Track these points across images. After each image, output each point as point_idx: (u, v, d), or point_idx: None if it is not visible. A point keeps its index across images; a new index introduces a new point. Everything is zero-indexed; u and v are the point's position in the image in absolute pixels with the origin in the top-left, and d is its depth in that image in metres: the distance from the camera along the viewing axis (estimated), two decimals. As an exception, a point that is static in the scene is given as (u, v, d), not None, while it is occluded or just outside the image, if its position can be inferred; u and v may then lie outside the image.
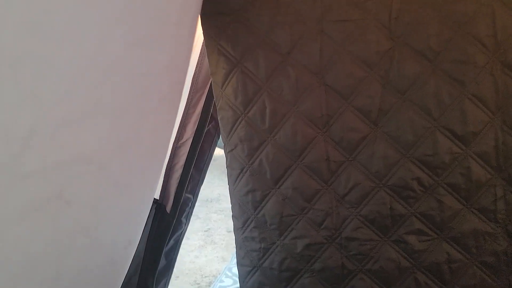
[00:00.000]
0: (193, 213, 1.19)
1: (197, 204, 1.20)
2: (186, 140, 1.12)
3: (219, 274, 1.51)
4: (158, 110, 0.68)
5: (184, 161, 1.11)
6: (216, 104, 0.87)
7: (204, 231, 2.60)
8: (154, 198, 1.07)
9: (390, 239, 0.78)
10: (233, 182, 0.87)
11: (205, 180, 1.18)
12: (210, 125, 1.11)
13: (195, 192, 1.16)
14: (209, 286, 2.04)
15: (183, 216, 1.18)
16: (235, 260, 0.90)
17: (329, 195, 0.80)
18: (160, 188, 1.11)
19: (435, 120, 0.74)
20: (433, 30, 0.73)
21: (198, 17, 0.80)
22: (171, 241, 1.18)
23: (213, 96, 0.89)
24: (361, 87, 0.76)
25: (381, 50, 0.75)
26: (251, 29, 0.80)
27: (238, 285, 0.93)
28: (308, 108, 0.79)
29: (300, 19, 0.77)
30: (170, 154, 1.12)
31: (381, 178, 0.77)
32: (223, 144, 0.88)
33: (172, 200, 1.11)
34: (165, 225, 1.11)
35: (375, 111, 0.76)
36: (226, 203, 2.84)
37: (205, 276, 2.15)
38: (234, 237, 0.90)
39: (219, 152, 1.90)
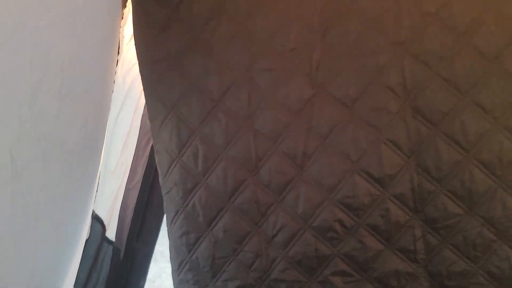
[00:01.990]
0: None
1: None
2: (137, 182, 1.14)
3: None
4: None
5: (134, 204, 1.12)
6: (154, 148, 0.90)
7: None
8: (111, 240, 1.08)
9: (316, 280, 0.80)
10: (169, 225, 0.89)
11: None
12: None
13: (151, 241, 1.15)
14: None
15: (141, 264, 1.14)
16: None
17: (259, 237, 0.82)
18: (116, 229, 1.11)
19: (354, 163, 0.78)
20: (350, 79, 0.78)
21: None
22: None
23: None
24: (287, 132, 0.80)
25: (304, 97, 0.79)
26: (185, 76, 0.84)
27: None
28: (238, 152, 0.82)
29: (230, 67, 0.82)
30: (124, 195, 1.13)
31: (307, 219, 0.79)
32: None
33: (124, 246, 1.11)
34: (119, 271, 1.08)
35: (300, 155, 0.80)
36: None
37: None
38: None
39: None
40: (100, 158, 0.90)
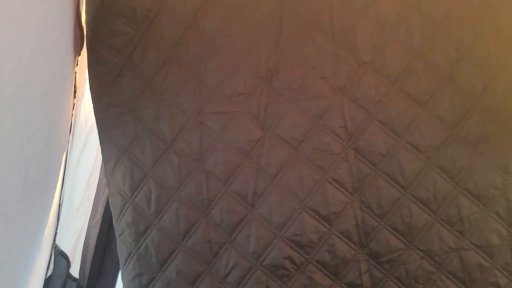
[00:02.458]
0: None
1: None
2: (97, 220, 1.13)
3: None
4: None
5: (95, 242, 1.11)
6: (108, 190, 0.90)
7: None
8: (75, 277, 1.06)
9: None
10: (122, 267, 0.88)
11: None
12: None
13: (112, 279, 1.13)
14: None
15: None
16: None
17: (211, 277, 0.83)
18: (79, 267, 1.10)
19: (302, 201, 0.81)
20: (296, 122, 0.82)
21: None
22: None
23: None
24: (238, 172, 0.83)
25: (253, 138, 0.83)
26: (139, 119, 0.86)
27: None
28: (191, 192, 0.84)
29: (182, 111, 0.85)
30: (86, 233, 1.12)
31: (258, 258, 0.82)
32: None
33: (86, 283, 1.10)
34: None
35: (251, 194, 0.83)
36: None
37: None
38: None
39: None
40: (53, 197, 0.89)
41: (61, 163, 0.87)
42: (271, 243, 0.82)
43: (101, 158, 1.10)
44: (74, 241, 1.07)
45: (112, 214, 0.90)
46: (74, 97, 0.93)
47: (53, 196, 0.85)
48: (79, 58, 0.91)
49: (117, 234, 0.89)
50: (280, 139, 0.83)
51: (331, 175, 0.81)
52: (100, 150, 1.05)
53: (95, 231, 1.10)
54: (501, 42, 0.77)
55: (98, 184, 1.09)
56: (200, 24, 0.85)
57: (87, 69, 0.90)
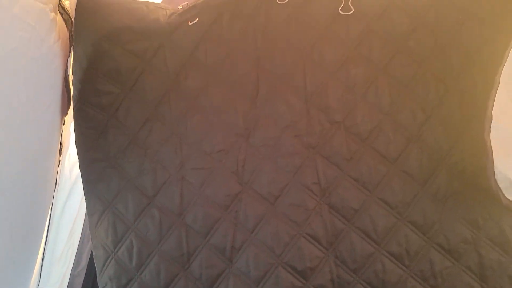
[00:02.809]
0: None
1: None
2: (82, 269, 1.15)
3: None
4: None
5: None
6: (92, 243, 0.93)
7: None
8: None
9: None
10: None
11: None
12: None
13: None
14: None
15: None
16: None
17: (190, 332, 0.84)
18: None
19: (278, 256, 0.84)
20: (272, 178, 0.86)
21: None
22: None
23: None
24: (217, 226, 0.86)
25: (232, 193, 0.86)
26: (122, 174, 0.90)
27: None
28: (171, 247, 0.87)
29: (163, 167, 0.89)
30: (69, 283, 1.14)
31: (235, 312, 0.83)
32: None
33: None
34: None
35: (229, 248, 0.85)
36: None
37: None
38: None
39: None
40: (37, 254, 0.92)
41: (46, 220, 0.90)
42: (249, 298, 0.83)
43: (84, 207, 1.13)
44: None
45: (96, 267, 0.92)
46: (60, 154, 0.97)
47: (38, 252, 0.88)
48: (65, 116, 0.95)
49: (100, 287, 0.91)
50: (257, 194, 0.86)
51: (306, 230, 0.84)
52: (83, 199, 1.09)
53: (79, 280, 1.12)
54: (464, 104, 0.81)
55: (82, 232, 1.12)
56: (182, 84, 0.90)
57: (72, 123, 0.95)
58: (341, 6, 0.86)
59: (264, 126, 0.87)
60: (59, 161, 0.96)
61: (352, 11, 0.85)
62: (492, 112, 0.75)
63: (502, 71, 0.77)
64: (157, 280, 0.86)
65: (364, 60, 0.84)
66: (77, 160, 1.07)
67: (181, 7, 0.96)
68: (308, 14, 0.87)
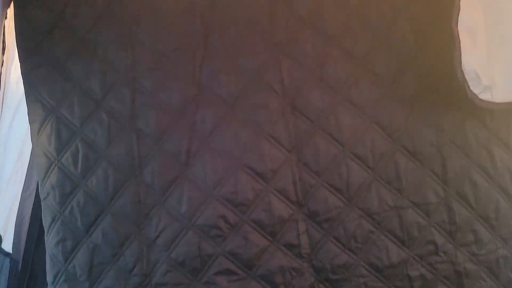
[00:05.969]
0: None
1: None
2: (32, 191, 1.06)
3: None
4: None
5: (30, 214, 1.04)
6: (32, 152, 0.84)
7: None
8: (8, 252, 0.99)
9: (200, 281, 0.76)
10: (46, 233, 0.82)
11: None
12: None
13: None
14: None
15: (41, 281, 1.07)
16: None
17: (140, 240, 0.78)
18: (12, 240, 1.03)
19: (237, 159, 0.78)
20: (232, 78, 0.80)
21: None
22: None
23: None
24: (171, 131, 0.79)
25: (187, 96, 0.80)
26: (68, 77, 0.82)
27: None
28: (120, 152, 0.79)
29: (113, 67, 0.81)
30: (20, 204, 1.05)
31: (190, 218, 0.77)
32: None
33: (21, 257, 1.03)
34: (18, 284, 1.02)
35: (184, 153, 0.79)
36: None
37: None
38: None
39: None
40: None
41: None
42: (205, 203, 0.77)
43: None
44: (6, 214, 1.01)
45: (38, 177, 0.84)
46: (3, 53, 0.87)
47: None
48: (9, 10, 0.85)
49: (41, 198, 0.83)
50: (215, 96, 0.80)
51: (268, 131, 0.79)
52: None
53: (30, 202, 1.04)
54: (432, 4, 0.78)
55: (31, 152, 1.03)
56: None
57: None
58: None
59: (224, 24, 0.81)
60: (2, 61, 0.86)
61: None
62: (460, 1, 0.72)
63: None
64: (105, 187, 0.79)
65: None
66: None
67: None
68: None
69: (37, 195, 1.01)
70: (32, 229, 1.04)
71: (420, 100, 0.80)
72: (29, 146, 1.03)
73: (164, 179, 0.78)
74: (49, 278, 0.81)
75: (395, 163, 0.80)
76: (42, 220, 0.95)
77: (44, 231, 0.85)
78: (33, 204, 1.01)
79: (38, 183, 1.00)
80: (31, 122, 0.85)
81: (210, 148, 0.79)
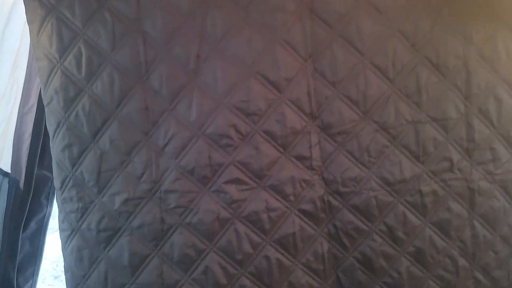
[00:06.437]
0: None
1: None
2: (32, 106, 1.02)
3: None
4: None
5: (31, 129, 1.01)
6: (33, 55, 0.80)
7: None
8: (6, 172, 0.98)
9: (209, 190, 0.76)
10: (51, 140, 0.80)
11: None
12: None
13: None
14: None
15: (43, 197, 1.08)
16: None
17: (149, 147, 0.76)
18: (11, 159, 1.00)
19: (249, 66, 0.74)
20: None
21: None
22: (33, 225, 1.07)
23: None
24: (179, 35, 0.74)
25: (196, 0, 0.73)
26: (68, -27, 0.75)
27: None
28: (126, 56, 0.75)
29: None
30: (17, 121, 1.02)
31: (200, 126, 0.74)
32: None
33: (24, 174, 1.01)
34: (19, 203, 0.99)
35: (193, 58, 0.74)
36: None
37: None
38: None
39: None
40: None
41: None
42: (215, 111, 0.74)
43: (29, 35, 0.98)
44: (1, 133, 0.97)
45: (40, 82, 0.80)
46: None
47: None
48: None
49: (45, 103, 0.79)
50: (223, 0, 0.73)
51: (283, 36, 0.73)
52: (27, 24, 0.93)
53: (30, 117, 1.00)
54: None
55: (28, 64, 0.97)
56: None
57: None
58: None
59: None
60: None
61: None
62: None
63: None
64: (110, 93, 0.75)
65: None
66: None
67: None
68: None
69: (38, 109, 0.98)
70: (34, 146, 1.01)
71: (448, 7, 0.74)
72: (24, 57, 0.97)
73: (173, 85, 0.75)
74: (56, 184, 0.80)
75: (416, 75, 0.75)
76: (45, 134, 0.93)
77: (48, 145, 0.83)
78: (35, 119, 0.97)
79: (38, 97, 0.97)
80: (29, 22, 0.79)
81: (221, 53, 0.74)
